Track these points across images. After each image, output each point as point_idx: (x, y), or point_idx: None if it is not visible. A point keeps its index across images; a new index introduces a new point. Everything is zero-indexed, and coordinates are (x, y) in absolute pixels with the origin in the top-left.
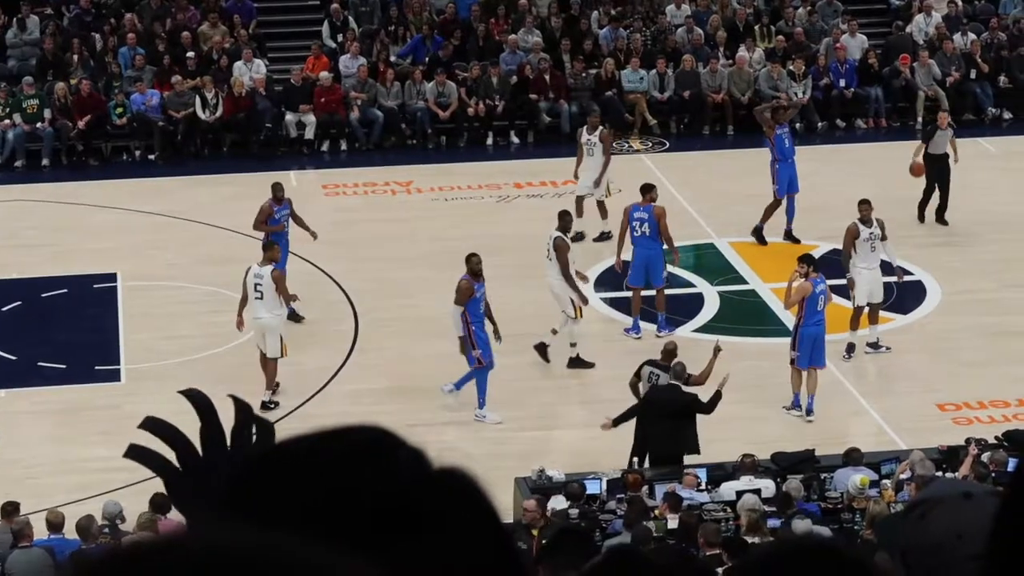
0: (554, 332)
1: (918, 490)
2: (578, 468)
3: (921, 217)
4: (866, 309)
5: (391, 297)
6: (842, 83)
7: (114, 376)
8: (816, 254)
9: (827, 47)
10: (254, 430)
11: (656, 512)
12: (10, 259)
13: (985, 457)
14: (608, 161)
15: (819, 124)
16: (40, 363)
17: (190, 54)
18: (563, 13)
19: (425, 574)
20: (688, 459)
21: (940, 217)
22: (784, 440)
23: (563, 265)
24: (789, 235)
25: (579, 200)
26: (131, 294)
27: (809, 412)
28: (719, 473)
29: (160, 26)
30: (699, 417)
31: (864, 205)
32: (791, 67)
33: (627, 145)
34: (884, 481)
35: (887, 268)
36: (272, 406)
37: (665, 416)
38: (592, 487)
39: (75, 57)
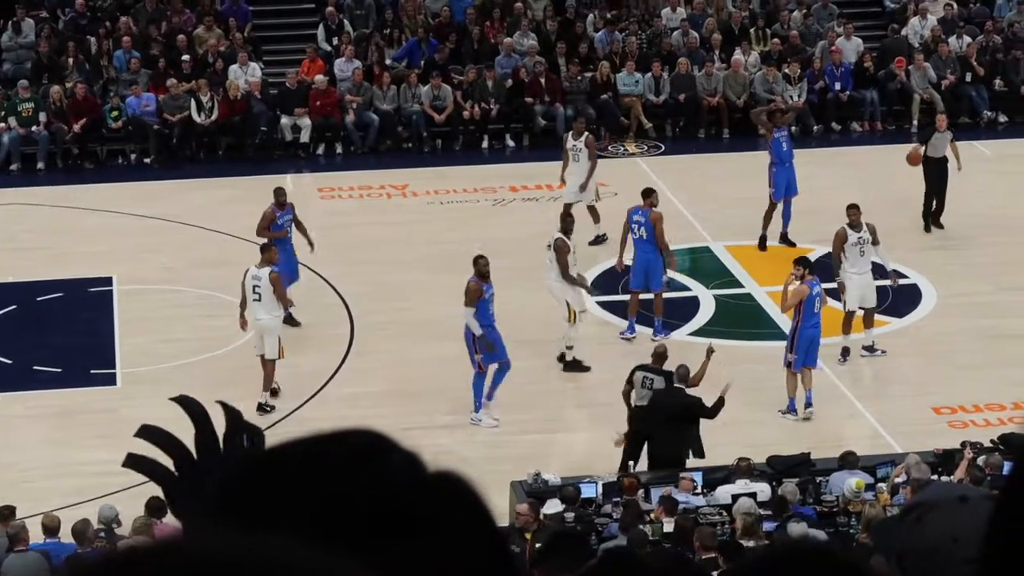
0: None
1: (914, 494)
2: (574, 472)
3: (928, 227)
4: (860, 313)
5: (387, 300)
6: (837, 86)
7: (110, 380)
8: (812, 257)
9: (822, 50)
10: (244, 437)
11: (652, 516)
12: (5, 263)
13: (981, 461)
14: (594, 166)
15: (814, 127)
16: (36, 367)
17: (185, 57)
18: (558, 16)
19: None
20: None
21: (936, 220)
22: (780, 444)
23: (562, 267)
24: (785, 238)
25: (567, 207)
26: (127, 298)
27: (808, 405)
28: (715, 477)
29: (155, 29)
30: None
31: (852, 210)
32: (786, 70)
33: (623, 148)
34: (880, 484)
35: (880, 271)
36: (268, 409)
37: (668, 419)
38: (588, 491)
39: (70, 60)
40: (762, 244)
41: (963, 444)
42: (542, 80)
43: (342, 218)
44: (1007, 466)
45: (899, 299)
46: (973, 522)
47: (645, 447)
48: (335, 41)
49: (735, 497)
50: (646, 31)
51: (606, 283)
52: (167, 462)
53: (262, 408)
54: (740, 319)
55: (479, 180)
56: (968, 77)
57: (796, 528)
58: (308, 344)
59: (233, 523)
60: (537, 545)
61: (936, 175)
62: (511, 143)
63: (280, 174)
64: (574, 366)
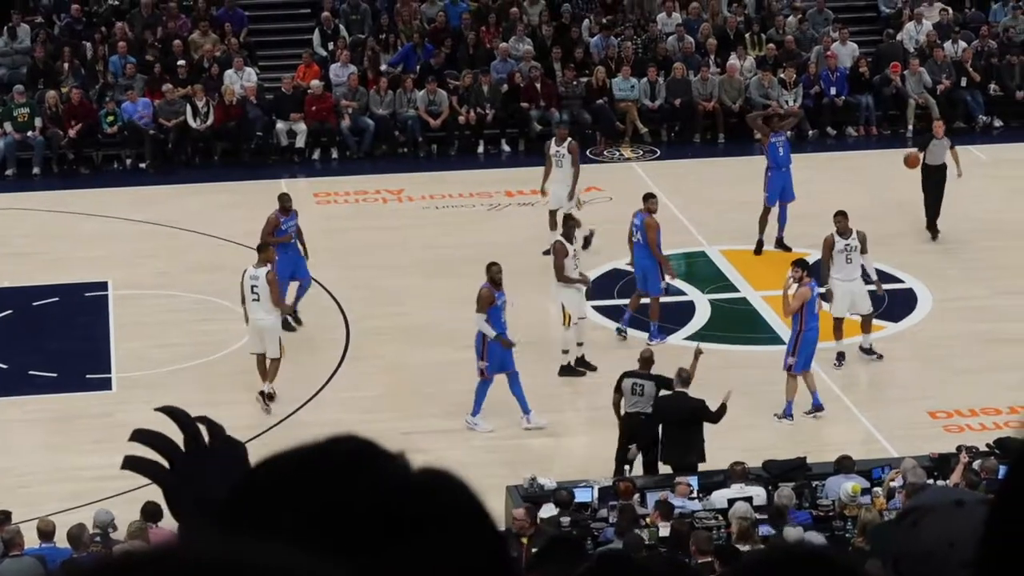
0: (579, 344)
1: (909, 498)
2: (570, 476)
3: (934, 235)
4: (856, 318)
5: (382, 305)
6: (833, 91)
7: (105, 384)
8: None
9: (818, 55)
10: (227, 450)
11: (648, 520)
12: (1, 268)
13: (976, 465)
14: (578, 172)
15: (810, 132)
16: (31, 372)
17: (181, 62)
18: (554, 21)
19: None
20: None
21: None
22: (776, 448)
23: (557, 269)
24: (780, 243)
25: (552, 214)
26: (122, 302)
27: (819, 408)
28: (710, 481)
29: (151, 34)
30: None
31: (839, 217)
32: (782, 75)
33: (618, 153)
34: (876, 488)
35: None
36: (268, 406)
37: (675, 423)
38: (584, 495)
39: (66, 65)
40: (758, 248)
41: (959, 448)
42: (537, 85)
43: (338, 223)
44: (1002, 470)
45: (895, 303)
46: (969, 526)
47: (647, 452)
48: (331, 46)
49: (731, 501)
50: (642, 36)
51: (601, 287)
52: (163, 462)
53: (261, 394)
54: (735, 323)
55: (475, 185)
56: (963, 82)
57: (792, 532)
58: (304, 348)
59: (232, 530)
60: (533, 550)
61: (935, 183)
62: (507, 148)
63: (275, 179)
64: (569, 371)
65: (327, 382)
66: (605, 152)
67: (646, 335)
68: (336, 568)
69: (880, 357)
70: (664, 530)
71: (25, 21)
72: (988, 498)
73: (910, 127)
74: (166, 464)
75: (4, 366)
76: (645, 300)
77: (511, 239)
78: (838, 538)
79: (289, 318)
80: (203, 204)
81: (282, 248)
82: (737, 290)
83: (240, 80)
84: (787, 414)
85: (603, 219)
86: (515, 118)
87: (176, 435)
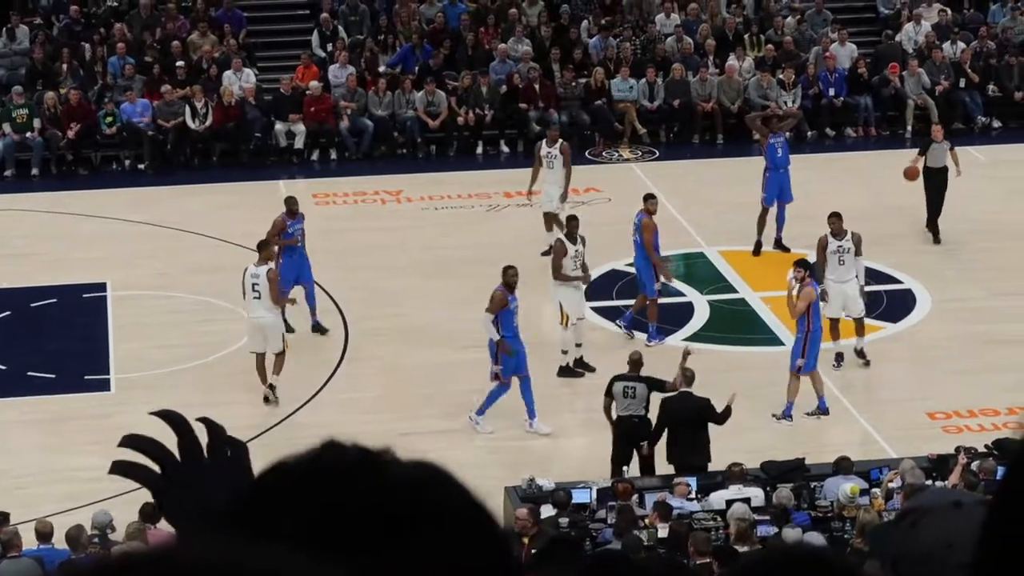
0: (578, 345)
1: (907, 499)
2: (569, 477)
3: (936, 239)
4: (848, 319)
5: (381, 306)
6: (831, 92)
7: (104, 386)
8: None
9: (817, 56)
10: (228, 449)
11: (646, 521)
12: (0, 268)
13: (975, 466)
14: (569, 173)
15: (809, 133)
16: (30, 373)
17: (180, 63)
18: (553, 22)
19: None
20: (672, 467)
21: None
22: (774, 449)
23: (555, 268)
24: (779, 244)
25: (547, 216)
26: (121, 303)
27: (825, 411)
28: (708, 482)
29: (150, 35)
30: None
31: (833, 218)
32: (781, 76)
33: (617, 154)
34: (874, 490)
35: (871, 279)
36: (274, 398)
37: (682, 424)
38: (582, 496)
39: (65, 66)
40: (756, 249)
41: (957, 449)
42: (536, 86)
43: (336, 224)
44: (1001, 471)
45: (894, 304)
46: (967, 527)
47: (648, 454)
48: (329, 47)
49: (729, 502)
50: (640, 37)
51: (597, 289)
52: (154, 467)
53: (270, 387)
54: (734, 324)
55: (473, 186)
56: (962, 83)
57: (791, 533)
58: (302, 349)
59: (232, 534)
60: (533, 551)
61: (936, 186)
62: (505, 149)
63: (274, 180)
64: (567, 371)
65: (326, 383)
66: (604, 153)
67: (644, 336)
68: (336, 569)
69: (867, 364)
70: (663, 531)
71: (24, 22)
72: (986, 499)
73: (909, 128)
74: (157, 469)
75: (3, 367)
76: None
77: (510, 240)
78: (836, 539)
79: (288, 320)
80: (202, 205)
81: (287, 252)
82: (736, 291)
83: (239, 81)
84: (787, 415)
85: (602, 220)
86: (514, 119)
87: (172, 439)
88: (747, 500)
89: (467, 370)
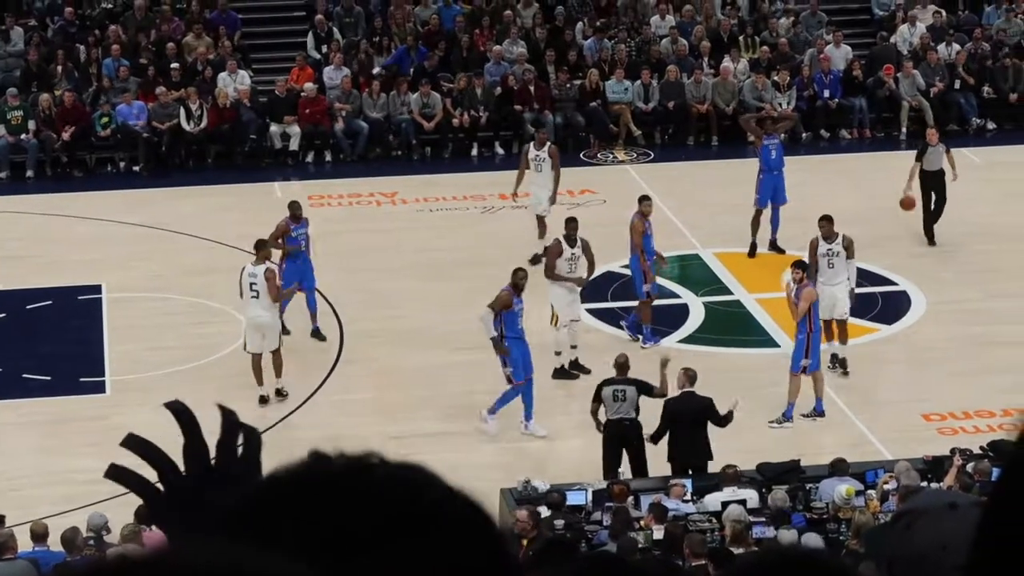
0: (573, 347)
1: (903, 500)
2: (565, 479)
3: (931, 241)
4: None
5: (376, 308)
6: (826, 94)
7: (99, 388)
8: None
9: (811, 58)
10: (240, 439)
11: (642, 523)
12: None
13: (970, 467)
14: (558, 176)
15: (803, 135)
16: (25, 375)
17: (174, 65)
18: (547, 24)
19: None
20: (671, 468)
21: (930, 227)
22: (769, 450)
23: (546, 268)
24: (774, 245)
25: (540, 219)
26: (116, 305)
27: (821, 413)
28: (703, 484)
29: (144, 37)
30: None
31: (824, 221)
32: (775, 78)
33: (612, 156)
34: (869, 491)
35: (866, 280)
36: (285, 394)
37: (685, 423)
38: (577, 498)
39: (59, 68)
40: (752, 251)
41: (952, 451)
42: (531, 88)
43: (331, 226)
44: (996, 472)
45: (888, 306)
46: (962, 529)
47: (638, 456)
48: (324, 49)
49: (725, 504)
50: (635, 39)
51: (600, 288)
52: (151, 474)
53: (280, 393)
54: (729, 326)
55: (468, 188)
56: (957, 84)
57: (786, 535)
58: (297, 352)
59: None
60: (530, 552)
61: (934, 189)
62: (500, 151)
63: (269, 182)
64: (563, 373)
65: (320, 385)
66: (599, 155)
67: (640, 337)
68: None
69: (846, 373)
70: (658, 533)
71: (19, 24)
72: (982, 501)
73: (903, 130)
74: (153, 475)
75: None
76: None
77: (505, 242)
78: (832, 541)
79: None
80: (197, 207)
81: (291, 257)
82: (731, 293)
83: (234, 83)
84: (787, 416)
85: (597, 222)
86: (509, 121)
87: (169, 440)
88: (743, 502)
89: (462, 372)
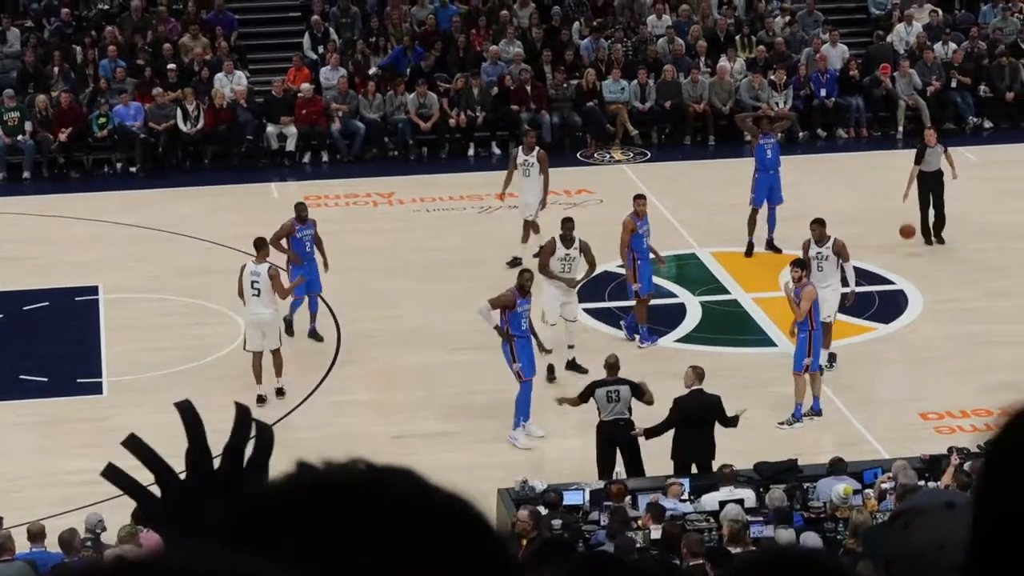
0: (570, 347)
1: (900, 499)
2: (563, 479)
3: (928, 240)
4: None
5: (373, 308)
6: (823, 93)
7: (96, 389)
8: None
9: (808, 57)
10: (253, 435)
11: (639, 522)
12: None
13: (967, 466)
14: (547, 180)
15: (800, 134)
16: (22, 376)
17: (171, 66)
18: (544, 24)
19: None
20: (668, 468)
21: (938, 235)
22: (767, 450)
23: (540, 265)
24: (771, 245)
25: (531, 224)
26: (113, 306)
27: (818, 412)
28: (701, 484)
29: (141, 38)
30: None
31: (815, 225)
32: (772, 77)
33: (609, 156)
34: (867, 490)
35: (865, 280)
36: (284, 393)
37: (692, 422)
38: (575, 498)
39: (56, 69)
40: (749, 250)
41: (950, 450)
42: (528, 88)
43: (328, 226)
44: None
45: (885, 305)
46: (960, 528)
47: (634, 458)
48: (321, 49)
49: (722, 504)
50: (632, 38)
51: (598, 288)
52: (148, 477)
53: (280, 393)
54: (726, 325)
55: (465, 188)
56: (953, 83)
57: (784, 534)
58: (295, 351)
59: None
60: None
61: (932, 189)
62: (497, 151)
63: (266, 182)
64: (551, 372)
65: (318, 385)
66: (595, 154)
67: (637, 338)
68: None
69: (831, 366)
70: (656, 532)
71: (15, 25)
72: None
73: (900, 129)
74: (149, 479)
75: None
76: (654, 301)
77: (502, 242)
78: (829, 540)
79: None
80: (194, 208)
81: (297, 264)
82: (728, 292)
83: (230, 83)
84: (797, 416)
85: (594, 221)
86: (505, 121)
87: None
88: (740, 501)
89: (461, 372)
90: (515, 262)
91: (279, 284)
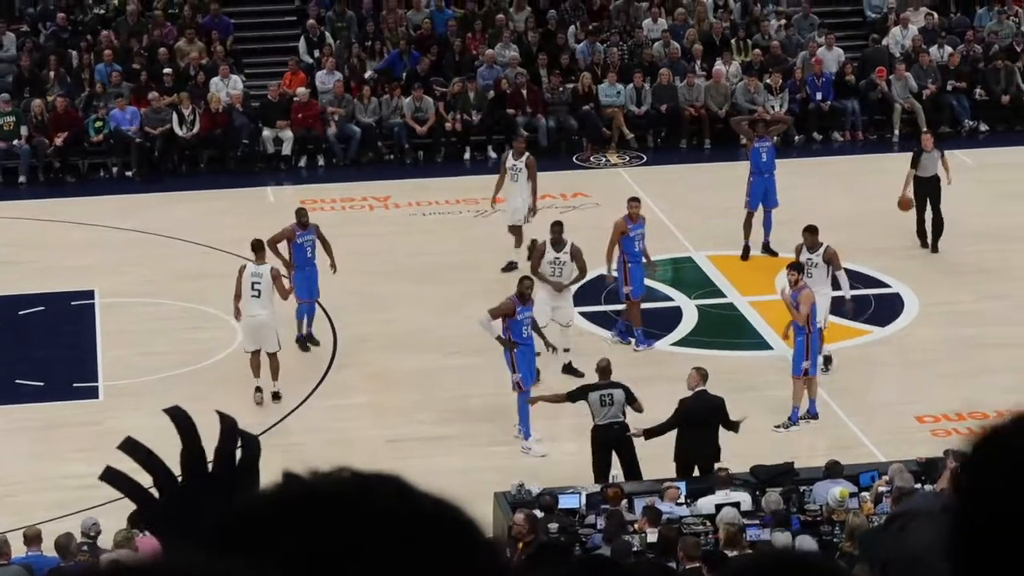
0: (566, 350)
1: (896, 503)
2: (560, 483)
3: (924, 244)
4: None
5: (370, 312)
6: (819, 96)
7: (92, 393)
8: None
9: (804, 60)
10: (239, 444)
11: (635, 526)
12: None
13: None
14: (535, 186)
15: (796, 137)
16: (18, 380)
17: (167, 70)
18: (540, 28)
19: None
20: (672, 470)
21: (935, 243)
22: (763, 453)
23: (532, 267)
24: (767, 248)
25: (511, 229)
26: (108, 311)
27: (815, 415)
28: (696, 487)
29: (137, 42)
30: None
31: (807, 233)
32: (768, 81)
33: (604, 159)
34: (863, 493)
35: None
36: (279, 399)
37: (695, 423)
38: (571, 501)
39: (52, 74)
40: (745, 254)
41: (946, 453)
42: (524, 91)
43: (324, 230)
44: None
45: (882, 308)
46: None
47: (631, 461)
48: (317, 53)
49: (719, 507)
50: (627, 42)
51: (595, 292)
52: (146, 479)
53: (276, 396)
54: (722, 329)
55: (461, 191)
56: (949, 86)
57: (780, 537)
58: (291, 356)
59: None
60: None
61: (928, 194)
62: (493, 154)
63: (262, 186)
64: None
65: (314, 389)
66: (591, 158)
67: (632, 341)
68: None
69: (826, 369)
70: (652, 536)
71: (11, 30)
72: None
73: (896, 132)
74: (148, 481)
75: None
76: (647, 304)
77: (498, 245)
78: (826, 543)
79: (308, 344)
80: (189, 212)
81: (301, 266)
82: (724, 295)
83: (226, 88)
84: (794, 420)
85: (590, 225)
86: (501, 124)
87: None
88: (737, 505)
89: (457, 376)
90: (510, 267)
91: (281, 285)
